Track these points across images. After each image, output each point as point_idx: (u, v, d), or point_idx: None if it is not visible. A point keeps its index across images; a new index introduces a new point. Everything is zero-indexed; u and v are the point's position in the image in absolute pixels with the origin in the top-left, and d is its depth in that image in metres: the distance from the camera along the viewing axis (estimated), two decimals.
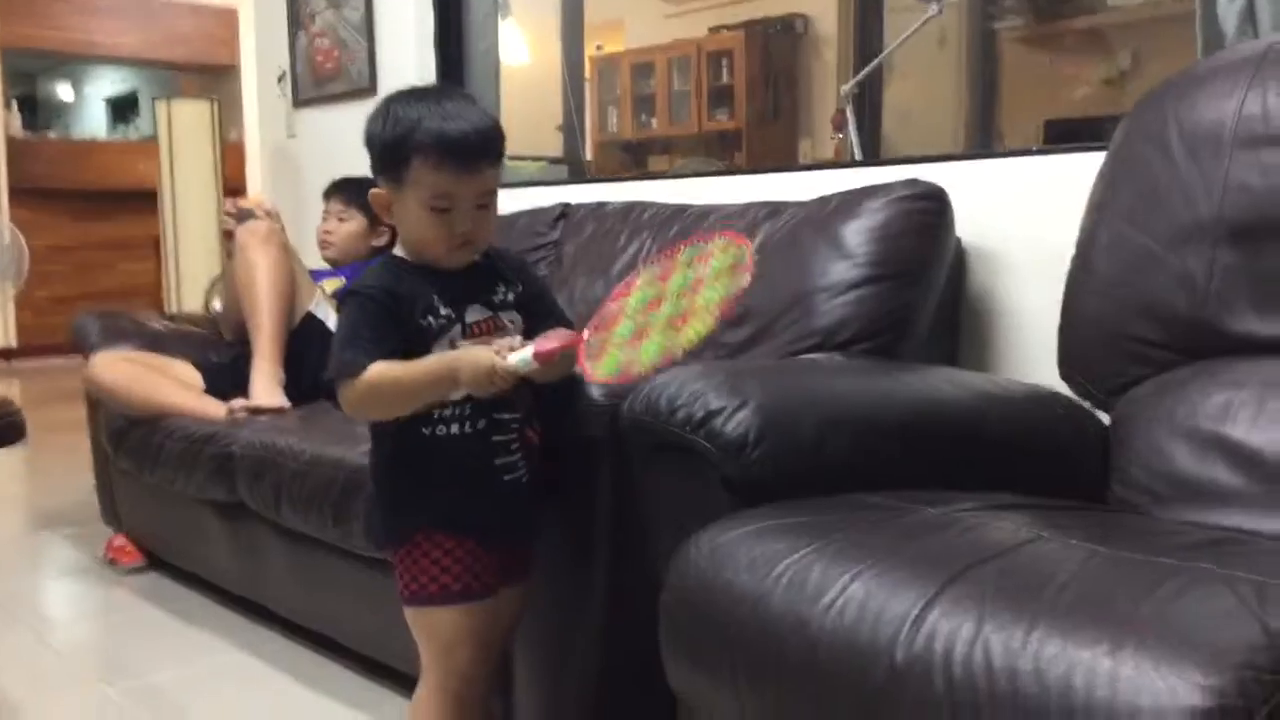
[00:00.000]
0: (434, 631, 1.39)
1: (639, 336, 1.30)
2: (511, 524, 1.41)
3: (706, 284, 1.28)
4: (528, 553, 1.48)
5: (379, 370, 1.30)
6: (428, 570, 1.36)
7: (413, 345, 1.32)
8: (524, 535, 1.46)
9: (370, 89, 3.40)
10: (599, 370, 1.30)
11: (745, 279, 1.25)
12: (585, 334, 1.34)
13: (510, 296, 1.41)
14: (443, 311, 1.34)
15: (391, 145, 1.32)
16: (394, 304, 1.33)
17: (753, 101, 6.78)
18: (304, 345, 2.52)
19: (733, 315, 1.28)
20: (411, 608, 1.39)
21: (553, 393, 1.40)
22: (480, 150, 1.33)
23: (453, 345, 1.33)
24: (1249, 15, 1.69)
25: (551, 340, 1.28)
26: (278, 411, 2.33)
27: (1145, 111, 1.54)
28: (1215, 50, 1.68)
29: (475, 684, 1.41)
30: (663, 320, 1.30)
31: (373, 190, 1.38)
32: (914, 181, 1.92)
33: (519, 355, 1.28)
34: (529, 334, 1.36)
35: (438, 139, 1.30)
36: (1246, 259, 1.37)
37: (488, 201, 1.35)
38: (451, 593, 1.36)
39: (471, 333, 1.35)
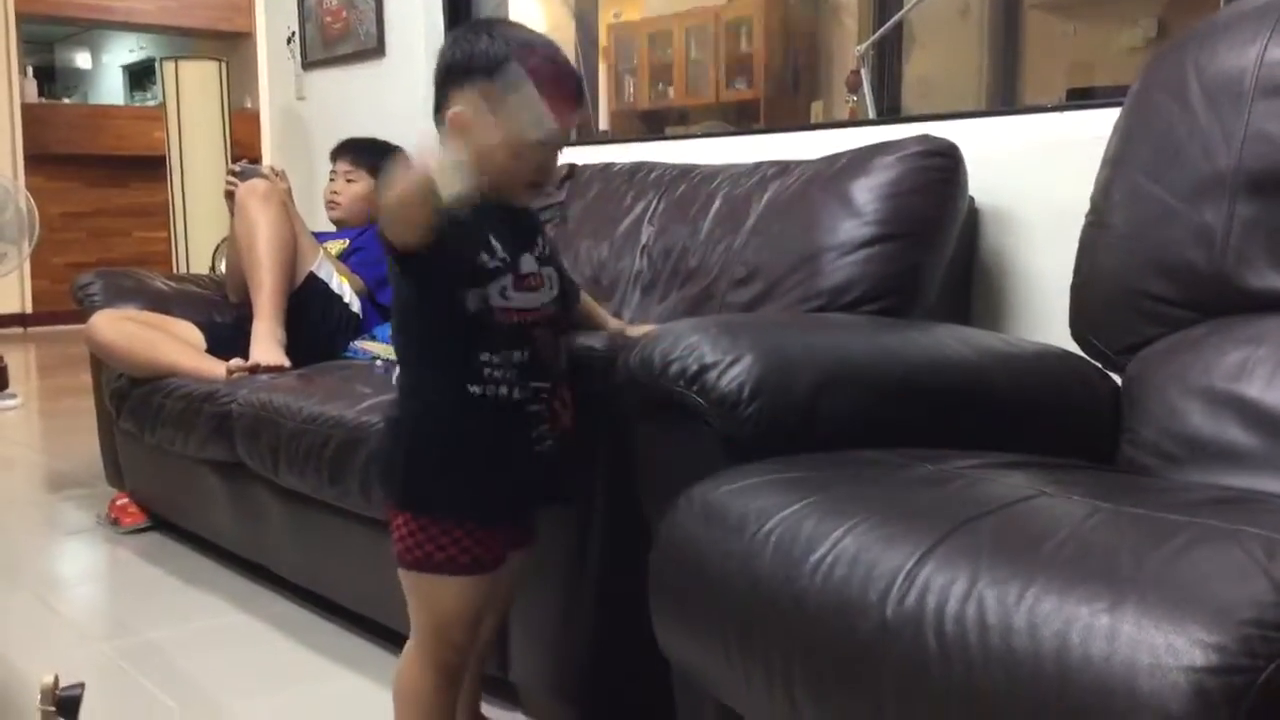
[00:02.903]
0: (434, 601, 1.32)
1: None
2: (534, 499, 1.38)
3: None
4: (534, 520, 1.45)
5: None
6: (437, 539, 1.29)
7: (465, 279, 1.26)
8: (542, 506, 1.42)
9: (378, 49, 3.36)
10: None
11: None
12: None
13: (547, 252, 1.37)
14: (500, 253, 1.29)
15: (501, 60, 1.25)
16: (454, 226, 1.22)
17: (771, 72, 6.68)
18: (305, 305, 2.49)
19: None
20: (413, 572, 1.32)
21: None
22: (581, 86, 1.30)
23: (503, 294, 1.28)
24: None
25: None
26: (277, 370, 2.30)
27: (1164, 61, 1.49)
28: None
29: (467, 652, 1.37)
30: None
31: (454, 111, 1.29)
32: (926, 138, 1.87)
33: None
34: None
35: (556, 62, 1.27)
36: (1266, 212, 1.32)
37: (563, 146, 1.31)
38: (459, 564, 1.29)
39: (526, 285, 1.30)
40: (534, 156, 1.28)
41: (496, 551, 1.33)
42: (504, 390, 1.29)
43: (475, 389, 1.28)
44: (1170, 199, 1.40)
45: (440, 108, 1.33)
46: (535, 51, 1.27)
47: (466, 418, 1.29)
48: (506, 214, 1.32)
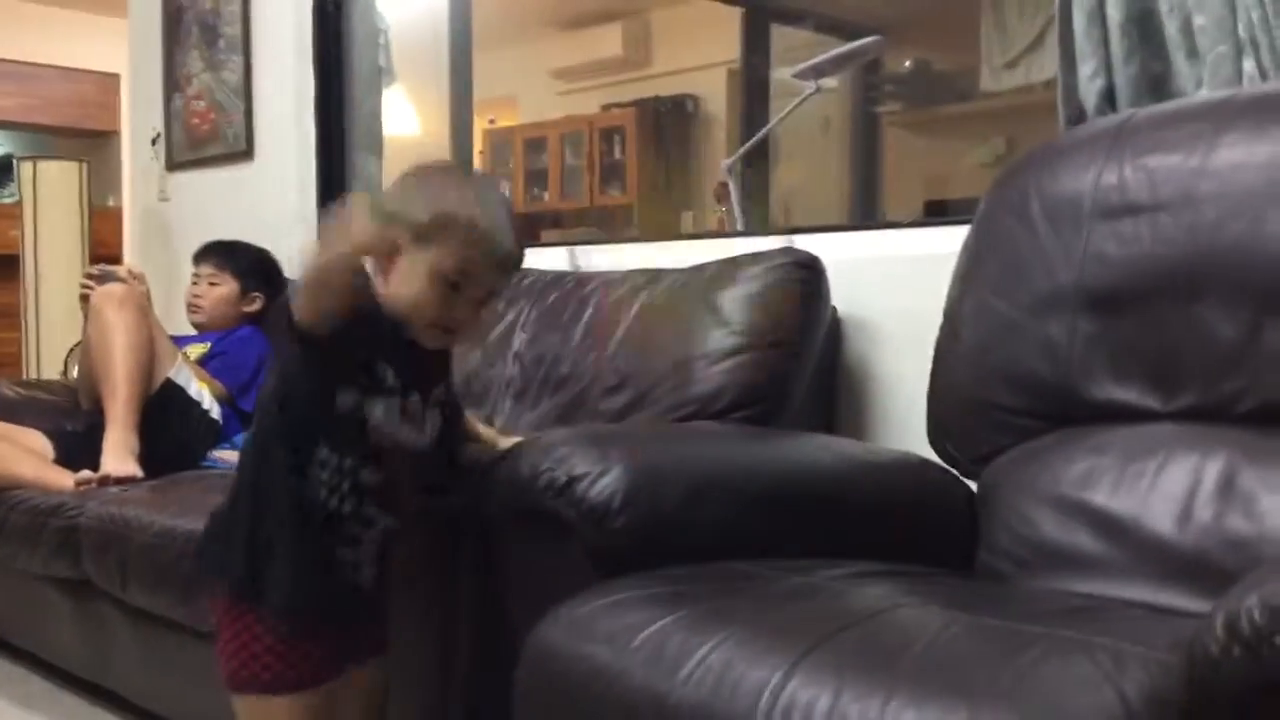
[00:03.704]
0: None
1: None
2: (343, 615, 1.31)
3: None
4: (371, 631, 1.39)
5: None
6: (259, 656, 1.26)
7: (352, 379, 1.24)
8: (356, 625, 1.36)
9: (247, 152, 3.32)
10: None
11: None
12: None
13: (443, 397, 1.36)
14: (392, 379, 1.27)
15: (435, 205, 1.26)
16: (369, 321, 1.23)
17: (644, 177, 6.84)
18: (162, 413, 2.40)
19: None
20: (240, 695, 1.28)
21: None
22: (518, 252, 1.31)
23: (389, 418, 1.26)
24: (1108, 93, 1.74)
25: None
26: (129, 481, 2.20)
27: (1008, 183, 1.57)
28: (1076, 126, 1.72)
29: None
30: None
31: (386, 231, 1.25)
32: (789, 250, 1.93)
33: None
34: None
35: (486, 219, 1.26)
36: (1105, 327, 1.39)
37: (489, 304, 1.31)
38: (285, 681, 1.25)
39: (408, 419, 1.29)
40: (446, 298, 1.27)
41: (321, 664, 1.28)
42: (331, 498, 1.26)
43: (295, 481, 1.25)
44: (1016, 314, 1.47)
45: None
46: (475, 213, 1.27)
47: (286, 508, 1.26)
48: (414, 344, 1.30)
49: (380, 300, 1.27)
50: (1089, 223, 1.43)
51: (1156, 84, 1.71)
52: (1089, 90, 1.76)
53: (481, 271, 1.27)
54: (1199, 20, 1.62)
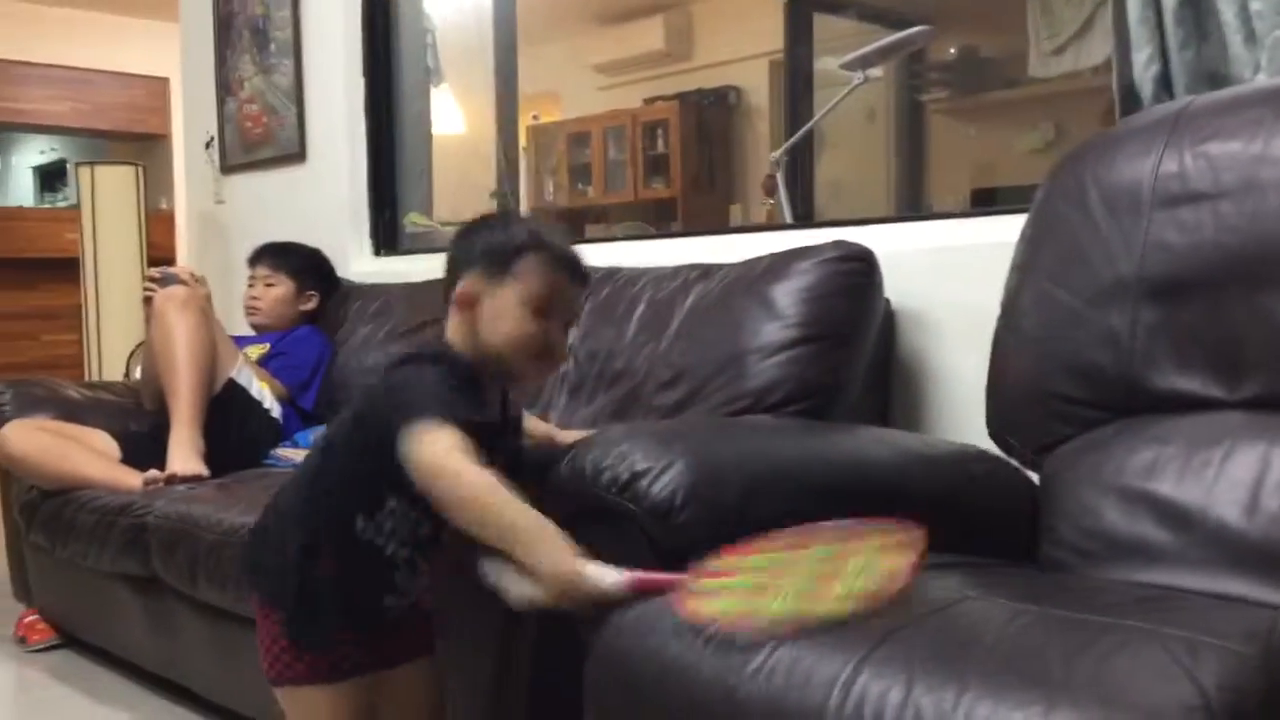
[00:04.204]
0: (305, 716, 1.33)
1: (761, 591, 1.07)
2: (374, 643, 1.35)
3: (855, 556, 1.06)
4: (412, 636, 1.41)
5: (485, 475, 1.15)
6: (291, 649, 1.30)
7: None
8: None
9: (299, 155, 3.37)
10: (704, 609, 1.07)
11: (904, 574, 1.02)
12: (691, 578, 1.12)
13: (511, 448, 1.38)
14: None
15: (505, 241, 1.30)
16: (473, 383, 1.25)
17: (688, 170, 6.84)
18: (225, 413, 2.45)
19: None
20: (279, 688, 1.32)
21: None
22: (586, 268, 1.35)
23: None
24: (1164, 80, 1.73)
25: (656, 579, 1.13)
26: (195, 480, 2.25)
27: (1065, 172, 1.56)
28: (1132, 114, 1.71)
29: None
30: (801, 581, 1.06)
31: (460, 287, 1.30)
32: (841, 243, 1.93)
33: (612, 579, 1.12)
34: None
35: (556, 243, 1.32)
36: (1168, 316, 1.38)
37: (574, 325, 1.36)
38: (319, 672, 1.29)
39: None
40: (540, 326, 1.29)
41: (354, 659, 1.31)
42: (383, 542, 1.28)
43: (361, 524, 1.27)
44: (1076, 303, 1.46)
45: (448, 291, 1.34)
46: (544, 239, 1.32)
47: (338, 550, 1.28)
48: (488, 396, 1.31)
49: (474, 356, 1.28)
50: (1149, 211, 1.42)
51: (1213, 70, 1.70)
52: (1144, 77, 1.74)
53: (570, 291, 1.31)
54: (1255, 5, 1.61)
